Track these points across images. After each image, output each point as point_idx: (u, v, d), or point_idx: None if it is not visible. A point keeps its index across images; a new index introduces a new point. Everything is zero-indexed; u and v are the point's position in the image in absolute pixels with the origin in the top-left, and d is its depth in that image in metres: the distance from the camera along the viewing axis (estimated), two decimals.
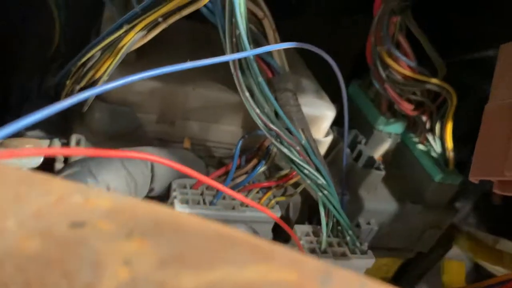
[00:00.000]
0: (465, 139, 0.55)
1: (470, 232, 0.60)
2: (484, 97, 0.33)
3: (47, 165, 0.39)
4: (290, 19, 0.66)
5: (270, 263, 0.17)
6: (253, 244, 0.18)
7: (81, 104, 0.41)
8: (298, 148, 0.37)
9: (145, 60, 0.43)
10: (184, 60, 0.46)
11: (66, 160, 0.40)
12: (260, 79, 0.34)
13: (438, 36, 0.56)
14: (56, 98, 0.43)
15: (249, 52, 0.32)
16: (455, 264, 0.61)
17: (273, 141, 0.37)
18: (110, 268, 0.15)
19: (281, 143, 0.37)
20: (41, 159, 0.32)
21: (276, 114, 0.37)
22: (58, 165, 0.39)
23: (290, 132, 0.37)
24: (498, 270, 0.57)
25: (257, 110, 0.35)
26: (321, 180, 0.38)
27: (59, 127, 0.45)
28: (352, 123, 0.57)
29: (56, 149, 0.35)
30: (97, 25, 0.46)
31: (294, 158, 0.37)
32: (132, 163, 0.36)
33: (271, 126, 0.35)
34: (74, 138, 0.41)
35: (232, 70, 0.35)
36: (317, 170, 0.38)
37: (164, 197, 0.41)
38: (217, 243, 0.17)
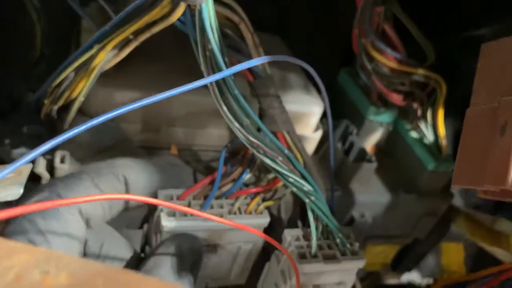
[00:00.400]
0: (463, 113, 0.54)
1: (468, 212, 0.59)
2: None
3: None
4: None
5: None
6: None
7: (62, 120, 0.40)
8: (280, 158, 0.36)
9: (125, 69, 0.42)
10: (165, 64, 0.45)
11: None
12: (236, 91, 0.33)
13: (429, 15, 0.54)
14: (38, 113, 0.42)
15: (226, 72, 0.30)
16: (453, 246, 0.61)
17: (255, 152, 0.36)
18: None
19: (264, 154, 0.36)
20: (21, 191, 0.31)
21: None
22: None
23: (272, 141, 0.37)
24: (496, 251, 0.57)
25: (236, 124, 0.34)
26: (307, 187, 0.38)
27: (42, 140, 0.44)
28: (343, 113, 0.56)
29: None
30: (75, 36, 0.45)
31: (278, 168, 0.37)
32: (103, 179, 0.35)
33: (252, 139, 0.35)
34: (58, 155, 0.40)
35: (208, 85, 0.34)
36: (302, 177, 0.38)
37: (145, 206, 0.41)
38: None
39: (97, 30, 0.35)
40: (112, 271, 0.18)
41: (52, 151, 0.41)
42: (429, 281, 0.64)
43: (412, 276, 0.65)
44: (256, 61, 0.31)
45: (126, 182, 0.37)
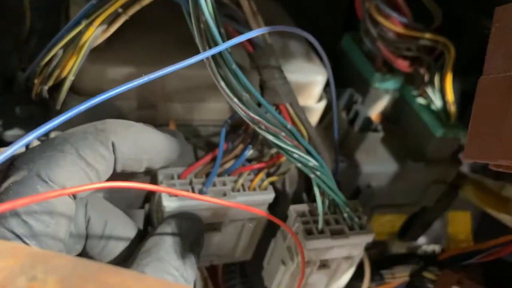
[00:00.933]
0: (471, 71, 0.51)
1: (475, 178, 0.58)
2: (482, 32, 0.30)
3: None
4: None
5: None
6: None
7: (54, 99, 0.38)
8: (283, 134, 0.34)
9: (117, 44, 0.40)
10: (159, 37, 0.43)
11: None
12: (234, 66, 0.31)
13: None
14: (29, 93, 0.40)
15: (222, 47, 0.28)
16: (460, 214, 0.60)
17: (257, 129, 0.34)
18: None
19: (266, 130, 0.34)
20: None
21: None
22: None
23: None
24: (504, 218, 0.56)
25: (235, 100, 0.32)
26: (312, 162, 0.36)
27: (39, 123, 0.43)
28: (347, 80, 0.54)
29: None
30: (64, 10, 0.42)
31: (281, 144, 0.35)
32: (88, 149, 0.30)
33: (253, 115, 0.33)
34: (52, 135, 0.39)
35: (204, 59, 0.32)
36: (307, 152, 0.36)
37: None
38: None
39: (85, 4, 0.33)
40: (106, 273, 0.16)
41: (46, 134, 0.40)
42: (435, 247, 0.64)
43: (419, 241, 0.65)
44: (253, 33, 0.29)
45: (114, 148, 0.32)
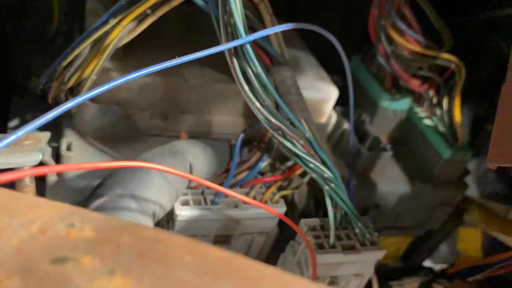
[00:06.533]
0: (485, 95, 0.52)
1: (481, 202, 0.58)
2: (502, 57, 0.30)
3: None
4: None
5: None
6: (240, 274, 0.17)
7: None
8: (301, 142, 0.34)
9: (133, 53, 0.40)
10: (173, 48, 0.43)
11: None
12: (259, 70, 0.32)
13: None
14: (42, 99, 0.40)
15: (245, 39, 0.29)
16: (470, 231, 0.60)
17: (275, 135, 0.34)
18: None
19: (284, 136, 0.34)
20: (40, 157, 0.30)
21: (277, 105, 0.35)
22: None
23: (292, 124, 0.35)
24: (510, 241, 0.56)
25: (257, 104, 0.32)
26: (328, 173, 0.36)
27: (48, 127, 0.42)
28: (355, 100, 0.54)
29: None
30: (80, 19, 0.43)
31: (298, 152, 0.35)
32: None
33: (273, 120, 0.33)
34: (64, 142, 0.39)
35: (229, 61, 0.32)
36: (323, 163, 0.36)
37: None
38: (202, 276, 0.16)
39: (104, 12, 0.33)
40: (138, 227, 0.17)
41: (57, 139, 0.39)
42: (443, 267, 0.63)
43: (425, 262, 0.64)
44: (280, 27, 0.29)
45: (191, 169, 0.36)
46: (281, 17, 0.53)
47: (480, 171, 0.65)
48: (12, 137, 0.20)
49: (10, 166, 0.29)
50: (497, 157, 0.28)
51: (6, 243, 0.16)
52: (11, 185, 0.20)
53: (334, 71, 0.50)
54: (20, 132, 0.20)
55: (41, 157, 0.31)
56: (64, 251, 0.16)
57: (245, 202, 0.38)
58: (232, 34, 0.30)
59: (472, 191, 0.56)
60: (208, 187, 0.38)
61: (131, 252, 0.16)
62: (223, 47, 0.29)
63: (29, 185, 0.31)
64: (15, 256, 0.15)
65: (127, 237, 0.17)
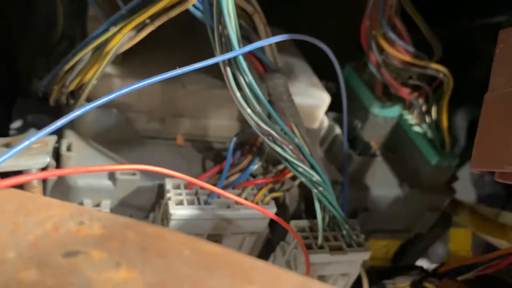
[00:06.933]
0: (480, 100, 0.53)
1: (471, 206, 0.59)
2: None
3: None
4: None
5: (250, 286, 0.18)
6: (233, 267, 0.19)
7: (70, 106, 0.40)
8: (291, 147, 0.36)
9: (133, 59, 0.42)
10: (172, 53, 0.45)
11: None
12: (251, 79, 0.33)
13: (440, 2, 0.54)
14: (44, 102, 0.42)
15: (237, 52, 0.31)
16: (461, 232, 0.61)
17: (266, 140, 0.36)
18: None
19: (274, 142, 0.36)
20: (48, 159, 0.32)
21: (269, 113, 0.37)
22: None
23: (283, 130, 0.37)
24: (502, 244, 0.57)
25: (249, 110, 0.34)
26: (316, 177, 0.38)
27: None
28: (348, 107, 0.56)
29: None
30: (82, 24, 0.44)
31: (288, 157, 0.37)
32: None
33: (263, 126, 0.35)
34: (64, 143, 0.40)
35: (222, 70, 0.34)
36: (312, 167, 0.38)
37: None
38: (199, 269, 0.18)
39: (104, 18, 0.35)
40: (141, 224, 0.19)
41: (57, 140, 0.41)
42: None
43: (422, 262, 0.65)
44: (273, 39, 0.31)
45: None
46: (277, 25, 0.55)
47: (476, 174, 0.66)
48: (26, 143, 0.22)
49: (20, 169, 0.31)
50: (479, 163, 0.30)
51: (23, 239, 0.18)
52: (19, 186, 0.22)
53: (328, 78, 0.52)
54: (34, 138, 0.22)
55: (48, 160, 0.32)
56: (75, 246, 0.18)
57: (237, 203, 0.40)
58: (226, 45, 0.32)
59: (470, 193, 0.58)
60: (201, 188, 0.40)
61: (135, 247, 0.18)
62: (217, 59, 0.30)
63: (37, 186, 0.33)
64: (31, 250, 0.17)
65: (131, 233, 0.18)
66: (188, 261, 0.18)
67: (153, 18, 0.32)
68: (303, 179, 0.38)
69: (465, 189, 0.61)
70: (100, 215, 0.19)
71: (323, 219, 0.40)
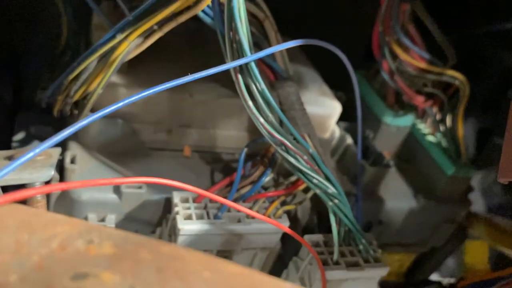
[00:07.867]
0: (490, 108, 0.52)
1: (486, 217, 0.58)
2: (506, 70, 0.30)
3: None
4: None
5: None
6: None
7: (74, 116, 0.38)
8: (305, 157, 0.34)
9: (138, 68, 0.40)
10: (179, 61, 0.44)
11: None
12: (263, 86, 0.32)
13: (456, 7, 0.53)
14: (48, 113, 0.40)
15: (249, 58, 0.29)
16: (477, 244, 0.59)
17: (279, 150, 0.34)
18: None
19: (287, 152, 0.34)
20: (52, 172, 0.30)
21: (281, 121, 0.35)
22: None
23: (296, 140, 0.35)
24: None
25: (261, 119, 0.32)
26: (331, 189, 0.36)
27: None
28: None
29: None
30: (86, 33, 0.43)
31: (302, 168, 0.35)
32: None
33: (276, 135, 0.33)
34: (68, 155, 0.39)
35: (234, 78, 0.32)
36: (327, 179, 0.36)
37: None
38: None
39: (110, 26, 0.34)
40: (156, 243, 0.17)
41: (61, 152, 0.39)
42: (450, 280, 0.62)
43: (432, 276, 0.63)
44: (286, 45, 0.29)
45: None
46: (286, 34, 0.54)
47: (486, 184, 0.65)
48: (30, 154, 0.20)
49: (23, 182, 0.29)
50: (508, 172, 0.28)
51: (27, 260, 0.16)
52: (22, 201, 0.20)
53: (336, 87, 0.51)
54: (38, 149, 0.20)
55: (53, 173, 0.31)
56: (84, 267, 0.16)
57: (248, 217, 0.38)
58: (238, 51, 0.30)
59: (479, 204, 0.56)
60: (211, 201, 0.38)
61: (150, 268, 0.16)
62: (229, 65, 0.29)
63: (41, 201, 0.31)
64: (36, 272, 0.16)
65: (146, 253, 0.17)
66: (209, 284, 0.16)
67: (161, 24, 0.30)
68: (317, 191, 0.36)
69: (475, 200, 0.59)
70: (110, 233, 0.17)
71: (339, 233, 0.38)
